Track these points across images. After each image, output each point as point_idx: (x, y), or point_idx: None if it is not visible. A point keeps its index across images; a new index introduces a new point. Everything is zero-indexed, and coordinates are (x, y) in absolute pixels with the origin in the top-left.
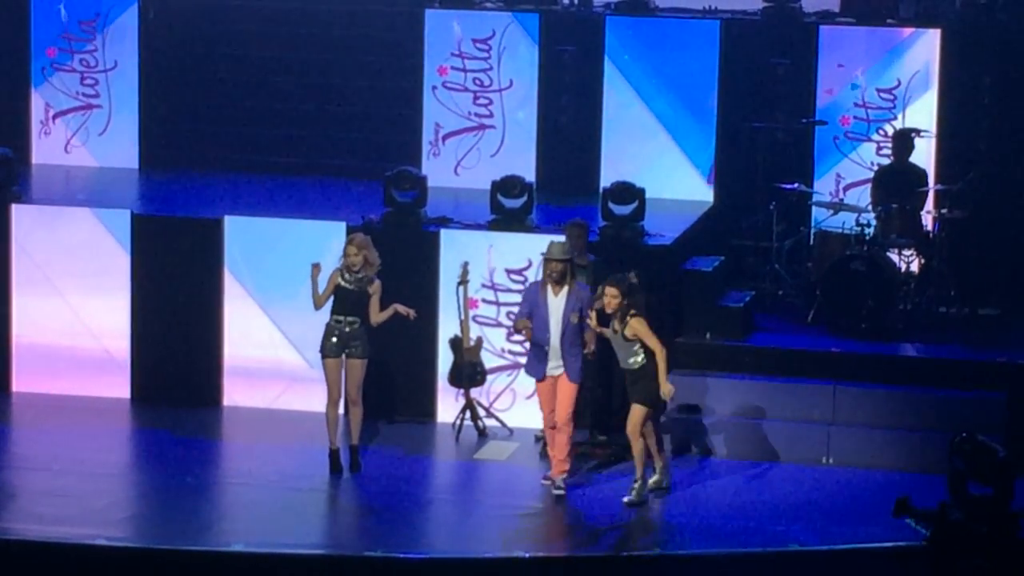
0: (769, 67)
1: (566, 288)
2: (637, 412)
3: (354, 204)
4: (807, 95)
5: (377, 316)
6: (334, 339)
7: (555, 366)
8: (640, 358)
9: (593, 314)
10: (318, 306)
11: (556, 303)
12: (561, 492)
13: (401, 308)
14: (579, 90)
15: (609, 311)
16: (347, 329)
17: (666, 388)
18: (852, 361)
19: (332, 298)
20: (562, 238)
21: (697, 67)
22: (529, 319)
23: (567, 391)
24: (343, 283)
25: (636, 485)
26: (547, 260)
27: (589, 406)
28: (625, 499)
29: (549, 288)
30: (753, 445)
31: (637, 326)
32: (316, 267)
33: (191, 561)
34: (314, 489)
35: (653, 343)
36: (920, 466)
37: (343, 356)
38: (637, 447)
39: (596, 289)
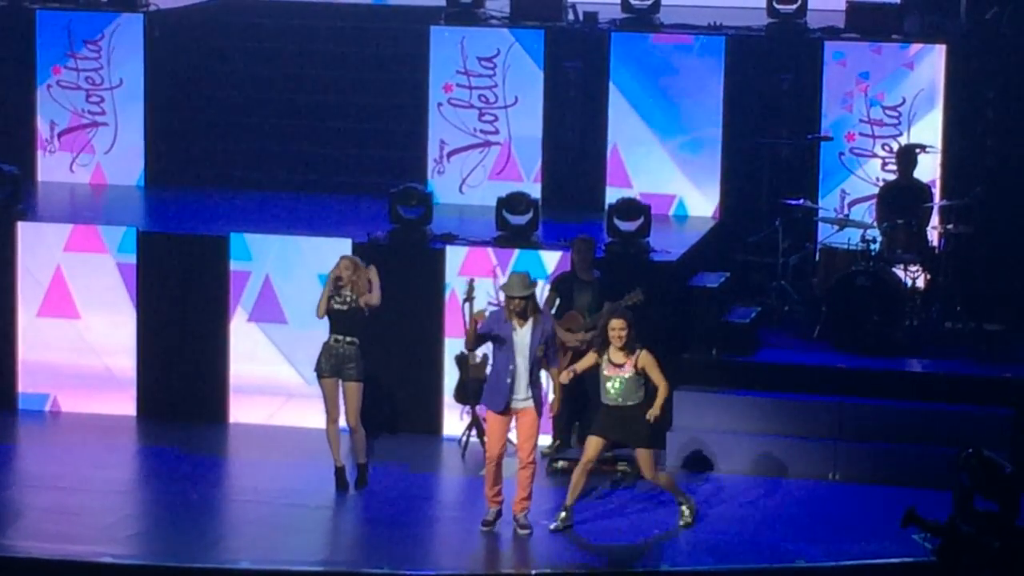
0: (774, 83)
1: (530, 321)
2: (649, 456)
3: (360, 221)
4: (812, 111)
5: (372, 297)
6: (328, 359)
7: (519, 399)
8: (643, 393)
9: (572, 360)
10: (319, 315)
11: (521, 336)
12: (528, 531)
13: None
14: (584, 106)
15: (619, 345)
16: (342, 350)
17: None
18: (858, 377)
19: (329, 318)
20: (521, 271)
21: (702, 83)
22: (491, 338)
23: (533, 425)
24: (336, 306)
25: (685, 508)
26: (507, 297)
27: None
28: (681, 522)
29: (514, 320)
30: (759, 461)
31: (647, 359)
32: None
33: None
34: (320, 506)
35: (660, 377)
36: (926, 482)
37: (338, 378)
38: (665, 480)
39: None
